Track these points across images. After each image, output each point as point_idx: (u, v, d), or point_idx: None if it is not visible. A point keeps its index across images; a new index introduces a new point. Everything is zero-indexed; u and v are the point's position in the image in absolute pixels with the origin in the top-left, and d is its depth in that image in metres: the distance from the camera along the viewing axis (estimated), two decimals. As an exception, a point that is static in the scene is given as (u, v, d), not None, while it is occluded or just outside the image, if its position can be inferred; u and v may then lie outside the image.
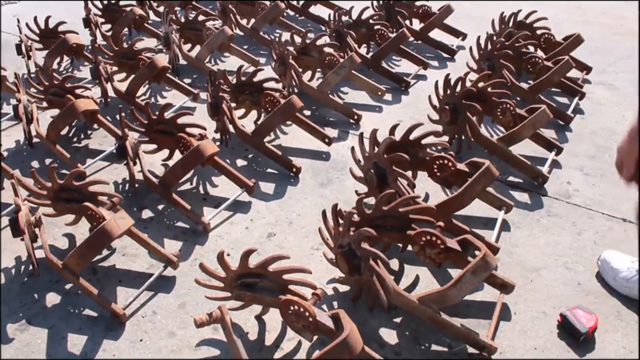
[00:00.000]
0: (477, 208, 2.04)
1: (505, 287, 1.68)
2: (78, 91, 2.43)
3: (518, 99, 2.65)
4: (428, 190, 2.14)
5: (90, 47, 3.04)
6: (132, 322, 1.65)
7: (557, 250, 1.89)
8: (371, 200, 1.98)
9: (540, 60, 2.69)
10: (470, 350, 1.55)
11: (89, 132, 2.53)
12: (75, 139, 2.49)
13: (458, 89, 2.29)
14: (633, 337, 1.59)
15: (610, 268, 1.76)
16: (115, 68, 2.79)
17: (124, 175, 2.23)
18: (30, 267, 1.75)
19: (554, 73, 2.57)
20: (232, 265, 1.54)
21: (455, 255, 1.60)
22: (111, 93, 2.72)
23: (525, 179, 2.21)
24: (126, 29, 3.36)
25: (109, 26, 3.36)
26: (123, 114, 2.09)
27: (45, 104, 2.48)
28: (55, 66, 3.02)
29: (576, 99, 2.77)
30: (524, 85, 2.65)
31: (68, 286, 1.75)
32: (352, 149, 2.03)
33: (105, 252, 1.88)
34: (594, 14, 4.13)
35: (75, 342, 1.59)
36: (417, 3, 3.40)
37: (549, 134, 2.46)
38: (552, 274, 1.80)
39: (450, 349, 1.56)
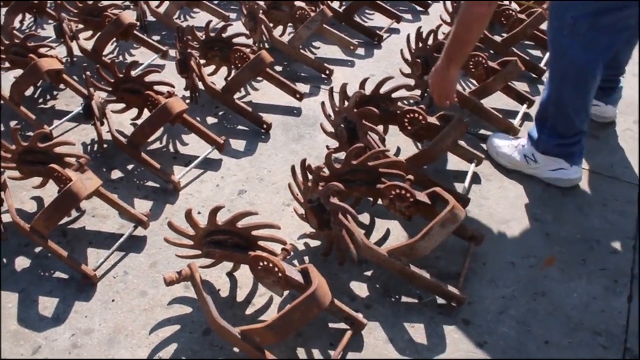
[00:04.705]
0: (448, 161, 2.05)
1: (474, 239, 1.70)
2: (42, 50, 2.36)
3: (491, 51, 2.63)
4: (399, 144, 2.13)
5: (53, 4, 2.94)
6: (104, 283, 1.65)
7: (527, 202, 1.91)
8: (342, 155, 1.96)
9: (513, 13, 2.66)
10: (440, 301, 1.57)
11: (55, 92, 2.46)
12: (40, 100, 2.43)
13: (430, 42, 2.26)
14: (597, 284, 1.63)
15: (493, 146, 2.05)
16: (80, 26, 2.71)
17: (93, 136, 2.19)
18: (-2, 231, 1.72)
19: (527, 26, 2.55)
20: (201, 222, 1.53)
21: (424, 208, 1.61)
22: (77, 52, 2.64)
23: (497, 131, 2.21)
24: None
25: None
26: (88, 73, 2.04)
27: (7, 64, 2.40)
28: (16, 24, 2.92)
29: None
30: (497, 38, 2.63)
31: (37, 249, 1.74)
32: (323, 103, 2.01)
33: (74, 213, 1.86)
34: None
35: (47, 305, 1.58)
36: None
37: (521, 86, 2.45)
38: (521, 225, 1.82)
39: (420, 301, 1.58)
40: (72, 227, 1.82)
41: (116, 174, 2.03)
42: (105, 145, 2.08)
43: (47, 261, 1.70)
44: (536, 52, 2.80)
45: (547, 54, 2.71)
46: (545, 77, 2.38)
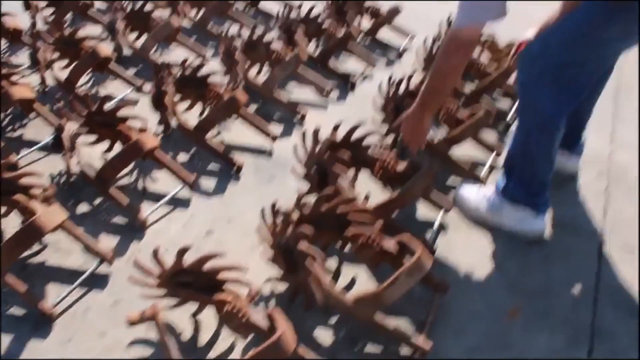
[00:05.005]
0: (417, 209, 2.07)
1: (440, 288, 1.71)
2: (14, 78, 2.34)
3: (461, 101, 2.68)
4: (370, 189, 2.14)
5: (29, 32, 2.92)
6: (63, 320, 1.61)
7: (492, 252, 1.93)
8: (312, 199, 1.97)
9: (483, 64, 2.74)
10: (405, 350, 1.57)
11: (24, 120, 2.43)
12: (9, 128, 2.39)
13: (402, 89, 2.31)
14: (559, 337, 1.65)
15: (461, 195, 2.09)
16: (56, 55, 2.69)
17: (61, 168, 2.15)
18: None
19: (497, 77, 2.63)
20: (168, 262, 1.51)
21: (391, 256, 1.61)
22: (52, 81, 2.62)
23: (465, 180, 2.24)
24: (70, 13, 3.24)
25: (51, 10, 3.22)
26: (61, 103, 2.03)
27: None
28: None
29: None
30: (469, 87, 2.70)
31: (-6, 283, 1.69)
32: (295, 147, 2.02)
33: (37, 246, 1.81)
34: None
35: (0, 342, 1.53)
36: (367, 3, 3.39)
37: (490, 135, 2.50)
38: (487, 275, 1.84)
39: (385, 350, 1.57)
40: (33, 261, 1.78)
41: (83, 208, 2.00)
42: (73, 178, 2.05)
43: (4, 296, 1.65)
44: (506, 103, 2.87)
45: (516, 104, 2.79)
46: (513, 127, 2.44)
